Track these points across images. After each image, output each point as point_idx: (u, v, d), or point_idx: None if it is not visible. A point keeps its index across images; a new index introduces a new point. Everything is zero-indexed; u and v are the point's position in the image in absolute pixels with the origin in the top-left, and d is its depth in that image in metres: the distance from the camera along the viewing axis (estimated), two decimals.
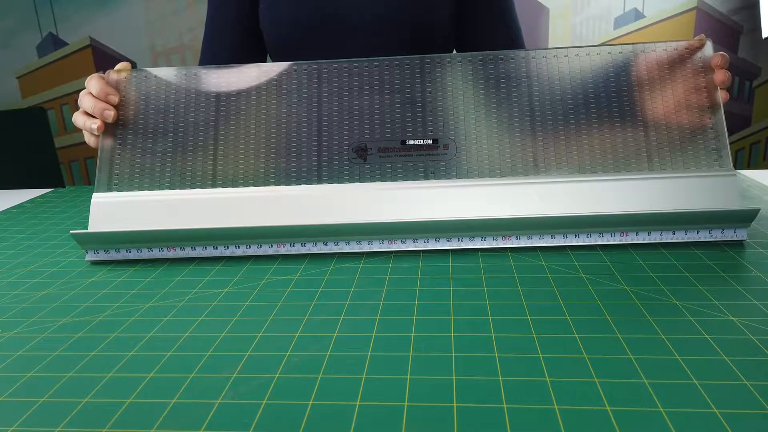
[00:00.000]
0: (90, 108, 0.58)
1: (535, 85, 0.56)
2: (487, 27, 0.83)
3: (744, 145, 1.93)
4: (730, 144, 1.93)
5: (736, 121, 1.91)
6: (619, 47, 0.55)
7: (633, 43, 0.56)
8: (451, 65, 0.57)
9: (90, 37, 2.01)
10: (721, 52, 0.54)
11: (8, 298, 0.49)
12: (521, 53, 0.57)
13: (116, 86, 0.59)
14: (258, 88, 0.58)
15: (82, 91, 0.60)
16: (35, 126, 1.67)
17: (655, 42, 0.55)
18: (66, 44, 2.02)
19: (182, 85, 0.59)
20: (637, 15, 1.83)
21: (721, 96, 0.54)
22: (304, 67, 0.59)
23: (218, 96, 0.58)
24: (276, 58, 0.85)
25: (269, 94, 0.58)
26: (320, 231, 0.54)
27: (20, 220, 0.73)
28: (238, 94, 0.58)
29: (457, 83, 0.57)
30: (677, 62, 0.55)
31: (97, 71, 0.71)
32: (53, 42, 2.03)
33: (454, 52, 0.89)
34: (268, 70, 0.59)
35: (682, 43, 0.55)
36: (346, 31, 0.78)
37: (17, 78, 2.08)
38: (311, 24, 0.78)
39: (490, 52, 0.57)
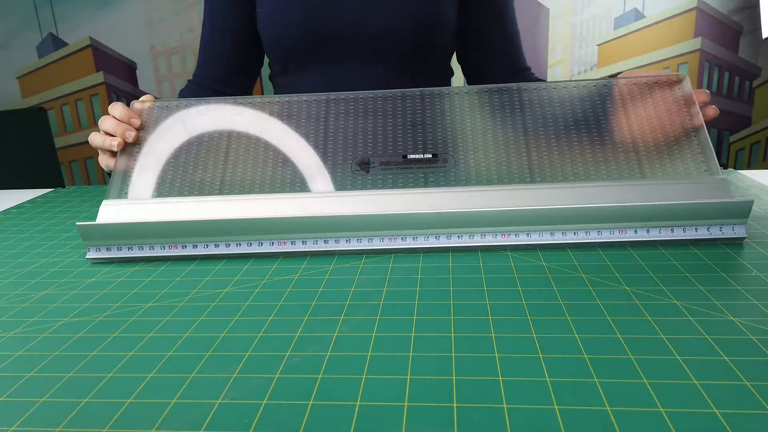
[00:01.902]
0: (112, 128, 0.62)
1: (528, 111, 0.59)
2: (487, 33, 0.84)
3: (744, 145, 1.93)
4: (730, 144, 1.93)
5: (736, 121, 1.91)
6: (604, 81, 0.60)
7: (617, 78, 0.61)
8: (449, 97, 0.61)
9: (90, 37, 2.01)
10: (703, 90, 0.58)
11: (8, 298, 0.49)
12: (514, 86, 0.61)
13: (139, 114, 0.63)
14: (269, 114, 0.62)
15: (104, 116, 0.63)
16: (35, 126, 1.67)
17: (636, 76, 0.60)
18: (66, 44, 2.02)
19: (199, 114, 0.62)
20: (637, 15, 1.83)
21: (710, 112, 0.58)
22: (314, 98, 0.62)
23: (232, 122, 0.62)
24: (274, 62, 0.85)
25: (280, 118, 0.61)
26: (321, 224, 0.54)
27: (20, 220, 0.73)
28: (251, 119, 0.61)
29: (455, 109, 0.60)
30: (658, 92, 0.59)
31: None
32: (53, 42, 2.03)
33: (455, 56, 0.89)
34: (280, 100, 0.63)
35: (663, 76, 0.60)
36: (348, 35, 0.78)
37: (17, 78, 2.08)
38: (313, 29, 0.78)
39: (485, 86, 0.62)
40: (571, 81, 0.61)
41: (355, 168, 0.56)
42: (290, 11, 0.78)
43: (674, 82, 0.59)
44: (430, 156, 0.57)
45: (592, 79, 0.61)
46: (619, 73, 0.64)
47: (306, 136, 0.60)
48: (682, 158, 0.55)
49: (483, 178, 0.55)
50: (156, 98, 0.65)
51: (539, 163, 0.56)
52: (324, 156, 0.58)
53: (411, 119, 0.60)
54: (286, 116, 0.61)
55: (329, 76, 0.81)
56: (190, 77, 0.88)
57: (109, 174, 0.65)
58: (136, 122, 0.62)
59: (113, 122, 0.62)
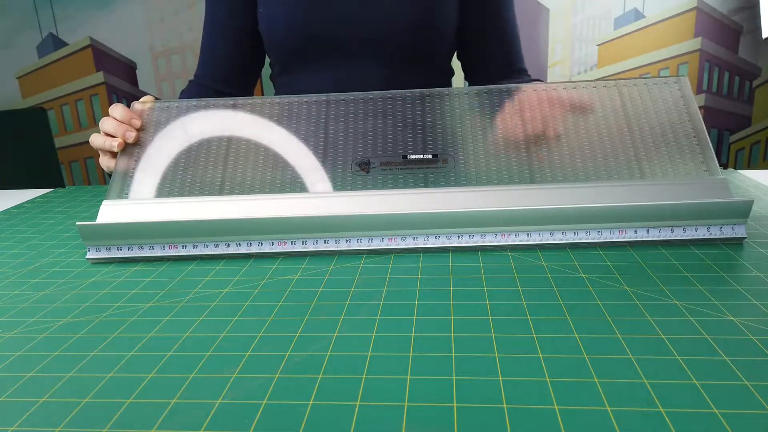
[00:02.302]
0: (112, 129, 0.62)
1: (527, 112, 0.59)
2: (486, 34, 0.84)
3: (744, 145, 1.93)
4: (730, 144, 1.93)
5: (736, 121, 1.91)
6: (603, 82, 0.61)
7: (616, 79, 0.62)
8: (449, 98, 0.61)
9: (90, 37, 2.01)
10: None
11: (8, 298, 0.49)
12: (513, 87, 0.61)
13: (139, 115, 0.63)
14: (269, 115, 0.62)
15: (104, 117, 0.64)
16: (35, 126, 1.67)
17: (635, 78, 0.61)
18: (66, 44, 2.02)
19: (200, 114, 0.63)
20: (637, 15, 1.83)
21: None
22: (314, 98, 0.62)
23: (233, 122, 0.62)
24: (275, 62, 0.85)
25: (280, 119, 0.61)
26: (321, 224, 0.54)
27: (20, 220, 0.73)
28: (251, 120, 0.62)
29: (455, 110, 0.60)
30: (657, 92, 0.59)
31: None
32: (53, 42, 2.03)
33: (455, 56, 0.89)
34: (280, 101, 0.63)
35: (661, 78, 0.60)
36: (349, 35, 0.78)
37: (17, 78, 2.08)
38: (314, 29, 0.78)
39: (486, 87, 0.62)
40: (570, 82, 0.61)
41: (355, 168, 0.56)
42: (291, 10, 0.78)
43: (673, 83, 0.59)
44: (430, 156, 0.57)
45: (590, 80, 0.61)
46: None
47: (306, 137, 0.60)
48: (682, 158, 0.55)
49: (483, 179, 0.55)
50: (156, 99, 0.66)
51: (539, 163, 0.56)
52: (324, 156, 0.58)
53: (411, 120, 0.60)
54: (287, 117, 0.61)
55: (330, 76, 0.81)
56: (191, 77, 0.88)
57: (110, 175, 0.65)
58: (137, 123, 0.62)
59: (114, 123, 0.62)
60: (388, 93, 0.62)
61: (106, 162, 0.64)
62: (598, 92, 0.60)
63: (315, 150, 0.59)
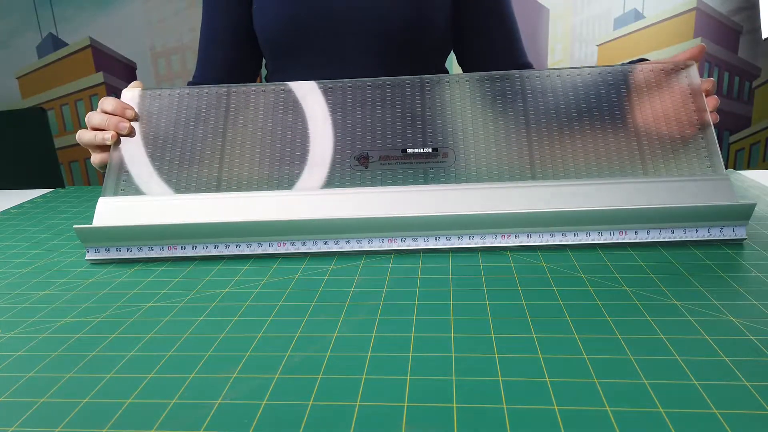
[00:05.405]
0: (103, 122, 0.59)
1: (530, 101, 0.58)
2: (486, 30, 0.84)
3: (744, 145, 1.93)
4: (730, 144, 1.93)
5: (736, 121, 1.91)
6: (609, 68, 0.59)
7: (623, 64, 0.59)
8: (449, 85, 0.60)
9: (90, 38, 2.01)
10: (711, 78, 0.57)
11: (8, 298, 0.49)
12: (516, 74, 0.59)
13: (130, 104, 0.61)
14: (264, 104, 0.61)
15: (90, 112, 0.61)
16: (35, 126, 1.67)
17: (643, 63, 0.59)
18: (66, 44, 2.02)
19: (193, 103, 0.61)
20: (637, 15, 1.83)
21: (711, 117, 0.56)
22: (310, 85, 0.61)
23: (227, 111, 0.61)
24: (271, 60, 0.85)
25: (276, 109, 0.60)
26: (321, 227, 0.54)
27: (20, 220, 0.73)
28: (246, 109, 0.61)
29: (455, 100, 0.59)
30: (664, 81, 0.57)
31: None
32: (53, 42, 2.03)
33: (452, 53, 0.89)
34: (276, 88, 0.61)
35: (669, 65, 0.58)
36: (341, 30, 0.78)
37: (17, 78, 2.08)
38: (305, 23, 0.78)
39: (487, 72, 0.60)
40: (574, 68, 0.59)
41: (354, 163, 0.56)
42: (284, 4, 0.78)
43: (681, 70, 0.58)
44: (430, 150, 0.56)
45: (597, 66, 0.59)
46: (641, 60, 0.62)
47: (304, 127, 0.59)
48: (686, 153, 0.54)
49: (483, 174, 0.55)
50: (145, 88, 0.63)
51: (540, 158, 0.55)
52: (323, 149, 0.57)
53: (410, 110, 0.58)
54: (282, 105, 0.60)
55: (322, 74, 0.81)
56: (191, 78, 0.88)
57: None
58: (131, 113, 0.60)
59: (103, 116, 0.59)
60: (387, 80, 0.60)
61: (98, 158, 0.62)
62: (602, 78, 0.58)
63: (313, 142, 0.58)
